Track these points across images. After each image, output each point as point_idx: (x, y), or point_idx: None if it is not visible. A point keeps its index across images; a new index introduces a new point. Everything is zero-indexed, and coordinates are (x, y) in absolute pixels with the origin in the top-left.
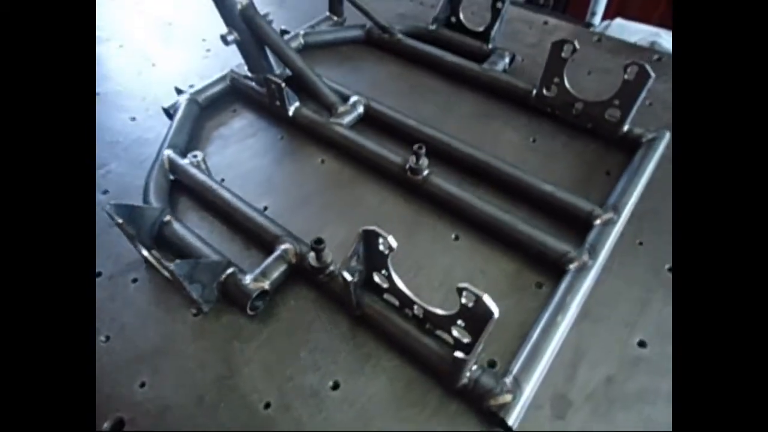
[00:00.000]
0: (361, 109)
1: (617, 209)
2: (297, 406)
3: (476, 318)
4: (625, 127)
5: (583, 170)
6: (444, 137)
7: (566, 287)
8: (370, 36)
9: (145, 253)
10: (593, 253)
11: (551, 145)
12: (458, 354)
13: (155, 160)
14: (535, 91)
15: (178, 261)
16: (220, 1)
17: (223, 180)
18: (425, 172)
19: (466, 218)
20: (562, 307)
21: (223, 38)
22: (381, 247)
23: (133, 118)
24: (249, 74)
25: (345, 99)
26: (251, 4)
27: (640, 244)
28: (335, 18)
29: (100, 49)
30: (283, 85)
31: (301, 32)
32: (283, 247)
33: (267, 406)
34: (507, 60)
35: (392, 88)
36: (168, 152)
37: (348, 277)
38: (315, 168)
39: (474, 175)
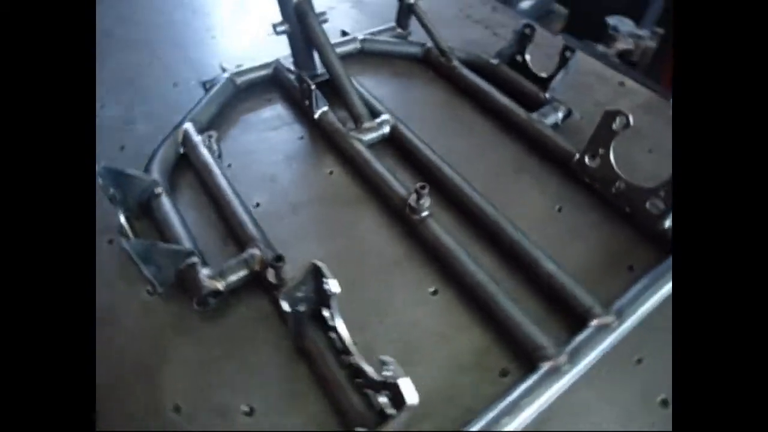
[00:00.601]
0: (386, 129)
1: (621, 315)
2: (203, 419)
3: (396, 397)
4: (667, 224)
5: (604, 258)
6: (459, 181)
7: (528, 388)
8: (428, 56)
9: (122, 219)
10: (574, 357)
11: (577, 219)
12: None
13: (171, 131)
14: (577, 157)
15: (133, 240)
16: None
17: (229, 165)
18: (424, 213)
19: (451, 274)
20: (514, 409)
21: (274, 27)
22: (325, 287)
23: (176, 84)
24: (292, 68)
25: (375, 114)
26: (307, 2)
27: (639, 361)
28: (400, 30)
29: (176, 15)
30: (313, 87)
31: (360, 37)
32: (251, 251)
33: (176, 409)
34: (561, 114)
35: (432, 115)
36: (187, 126)
37: (285, 306)
38: (321, 177)
39: (478, 230)
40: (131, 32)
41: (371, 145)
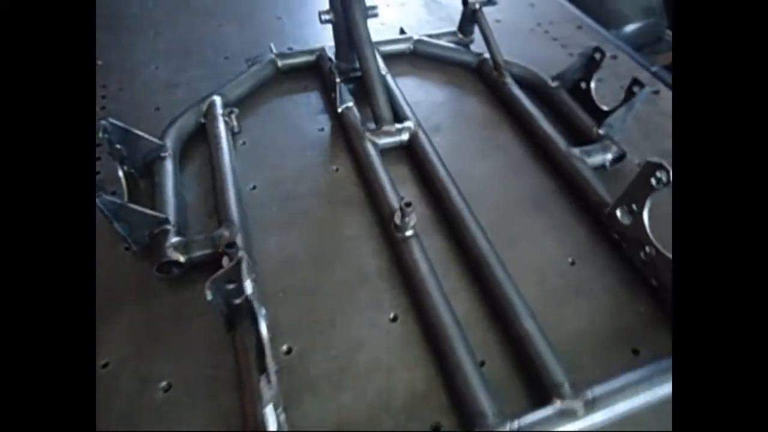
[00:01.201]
0: (405, 137)
1: (593, 405)
2: (123, 382)
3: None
4: None
5: (607, 330)
6: (461, 206)
7: None
8: (482, 67)
9: (120, 174)
10: None
11: (590, 278)
12: None
13: (198, 101)
14: (609, 209)
15: (104, 197)
16: None
17: (243, 143)
18: (408, 233)
19: (416, 304)
20: None
21: (320, 15)
22: (243, 285)
23: (227, 58)
24: (332, 58)
25: (400, 119)
26: None
27: None
28: (461, 36)
29: None
30: (338, 80)
31: (415, 37)
32: (219, 231)
33: (105, 365)
34: (610, 156)
35: (465, 129)
36: (215, 98)
37: (208, 295)
38: (326, 172)
39: (464, 264)
40: (205, 2)
41: (386, 150)
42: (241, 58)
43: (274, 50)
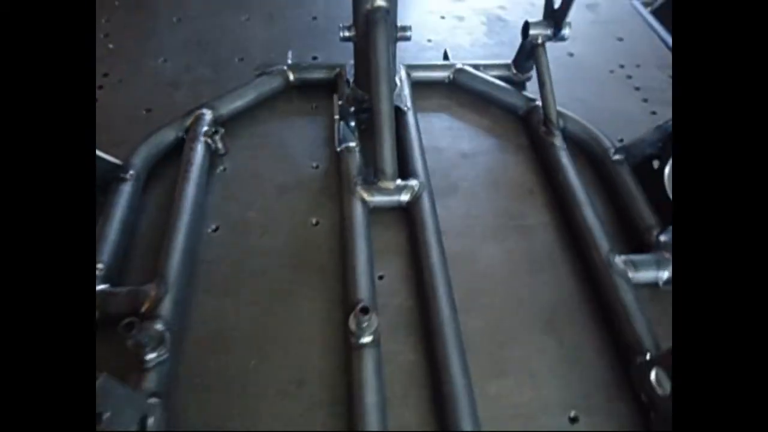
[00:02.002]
0: (405, 198)
1: None
2: None
3: None
4: None
5: None
6: (446, 313)
7: None
8: (530, 116)
9: None
10: None
11: None
12: None
13: (184, 115)
14: (648, 357)
15: None
16: None
17: (224, 169)
18: (365, 340)
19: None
20: None
21: (340, 30)
22: None
23: (242, 59)
24: (350, 80)
25: (406, 174)
26: (384, 11)
27: None
28: (514, 72)
29: None
30: (337, 117)
31: (458, 65)
32: (147, 287)
33: None
34: (666, 275)
35: (490, 195)
36: (203, 112)
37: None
38: (302, 224)
39: (431, 395)
40: None
41: (378, 210)
42: (258, 60)
43: (290, 59)
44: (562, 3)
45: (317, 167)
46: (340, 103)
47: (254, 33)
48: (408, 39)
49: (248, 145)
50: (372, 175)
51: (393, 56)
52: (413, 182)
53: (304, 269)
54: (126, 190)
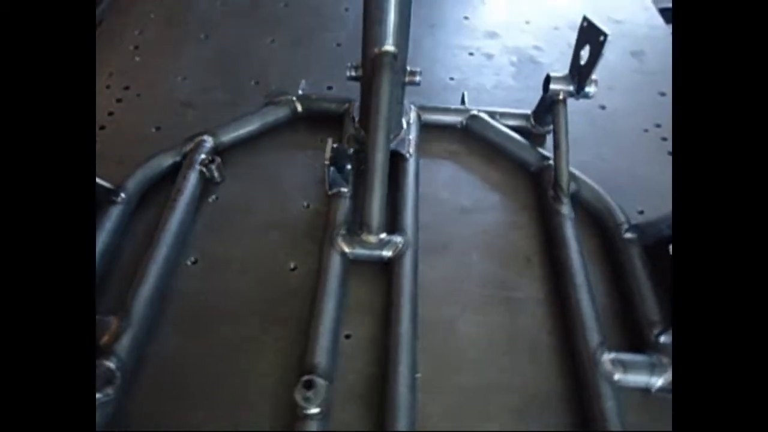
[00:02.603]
0: (387, 254)
1: None
2: None
3: None
4: None
5: None
6: (403, 393)
7: None
8: (542, 176)
9: None
10: None
11: None
12: None
13: (188, 139)
14: None
15: None
16: (368, 25)
17: (216, 199)
18: (310, 411)
19: None
20: None
21: (348, 69)
22: None
23: (257, 83)
24: (355, 118)
25: (395, 228)
26: (392, 56)
27: None
28: (533, 123)
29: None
30: (326, 162)
31: (473, 111)
32: (109, 318)
33: None
34: (660, 382)
35: (482, 258)
36: (205, 139)
37: None
38: (280, 268)
39: None
40: (275, 10)
41: (359, 263)
42: (273, 85)
43: (301, 89)
44: (588, 58)
45: (308, 206)
46: (335, 146)
47: (276, 56)
48: (417, 84)
49: (245, 176)
50: (358, 225)
51: (399, 100)
52: (398, 238)
53: (273, 318)
54: (114, 213)
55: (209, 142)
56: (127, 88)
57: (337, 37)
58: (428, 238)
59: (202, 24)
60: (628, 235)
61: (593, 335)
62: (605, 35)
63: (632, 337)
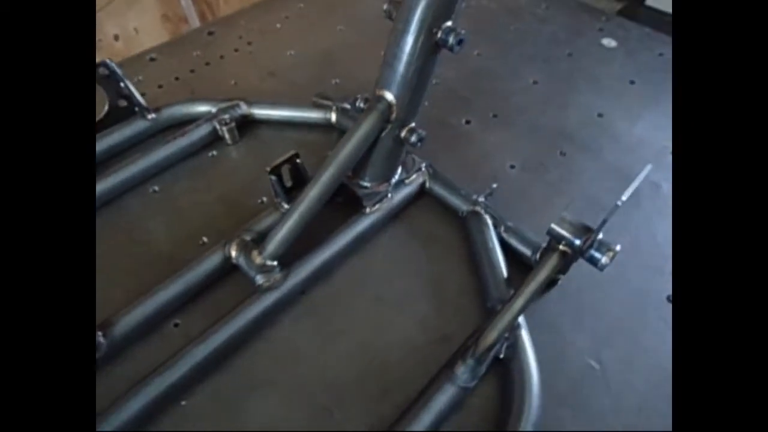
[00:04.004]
0: (259, 281)
1: None
2: None
3: None
4: None
5: None
6: None
7: None
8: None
9: None
10: None
11: None
12: None
13: (228, 99)
14: None
15: None
16: (383, 63)
17: (213, 155)
18: None
19: None
20: None
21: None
22: None
23: (338, 83)
24: None
25: (288, 263)
26: (386, 104)
27: None
28: (536, 259)
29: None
30: (268, 170)
31: (481, 209)
32: None
33: None
34: None
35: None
36: (239, 104)
37: None
38: (190, 236)
39: None
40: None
41: (237, 271)
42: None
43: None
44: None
45: (261, 202)
46: (281, 159)
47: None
48: (412, 145)
49: (250, 151)
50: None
51: (389, 154)
52: (278, 274)
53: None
54: (140, 125)
55: (242, 109)
56: (250, 43)
57: (442, 74)
58: (315, 297)
59: (285, 38)
60: None
61: None
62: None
63: None
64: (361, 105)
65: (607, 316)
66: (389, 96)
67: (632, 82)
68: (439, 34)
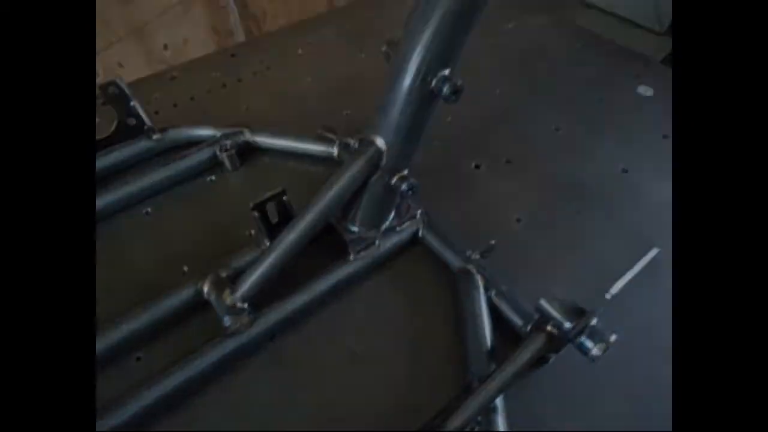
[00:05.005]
0: (226, 323)
1: None
2: None
3: None
4: None
5: None
6: None
7: None
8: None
9: None
10: None
11: None
12: None
13: (233, 125)
14: None
15: None
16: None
17: (211, 180)
18: None
19: None
20: None
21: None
22: None
23: (348, 114)
24: None
25: (263, 306)
26: (376, 150)
27: None
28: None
29: None
30: (251, 206)
31: (474, 269)
32: None
33: None
34: None
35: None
36: (243, 131)
37: None
38: (171, 260)
39: None
40: None
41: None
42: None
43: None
44: None
45: (250, 235)
46: (266, 196)
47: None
48: (404, 195)
49: (246, 180)
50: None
51: (379, 201)
52: (246, 318)
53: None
54: (142, 145)
55: (245, 135)
56: (269, 68)
57: (456, 110)
58: (284, 346)
59: (309, 63)
60: None
61: None
62: None
63: None
64: (354, 144)
65: (602, 407)
66: (380, 142)
67: (665, 137)
68: (433, 83)
